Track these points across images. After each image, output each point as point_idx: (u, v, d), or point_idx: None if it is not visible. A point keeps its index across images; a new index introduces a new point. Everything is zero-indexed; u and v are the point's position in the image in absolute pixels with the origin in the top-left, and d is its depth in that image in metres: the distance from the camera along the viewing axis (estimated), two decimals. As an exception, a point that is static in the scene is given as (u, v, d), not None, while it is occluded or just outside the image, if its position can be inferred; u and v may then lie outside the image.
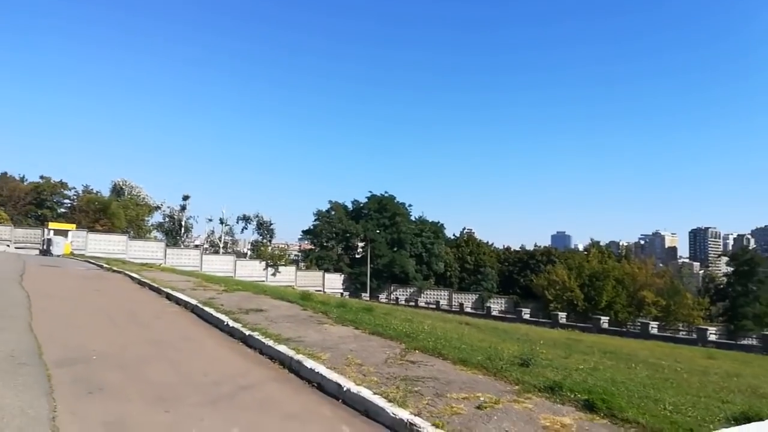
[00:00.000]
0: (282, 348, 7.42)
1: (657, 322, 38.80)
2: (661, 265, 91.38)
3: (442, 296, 65.65)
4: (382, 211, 79.45)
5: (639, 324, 37.76)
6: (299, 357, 6.90)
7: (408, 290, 70.17)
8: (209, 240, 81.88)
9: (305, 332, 8.53)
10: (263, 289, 13.92)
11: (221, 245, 74.34)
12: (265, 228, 79.07)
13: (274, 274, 63.62)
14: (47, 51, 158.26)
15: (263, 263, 64.49)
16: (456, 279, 77.63)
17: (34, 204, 66.00)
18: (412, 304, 52.11)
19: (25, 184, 69.65)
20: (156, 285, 14.10)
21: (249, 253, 77.84)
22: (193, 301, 11.21)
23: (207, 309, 10.37)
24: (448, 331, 10.72)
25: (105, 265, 23.43)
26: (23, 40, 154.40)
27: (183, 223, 74.18)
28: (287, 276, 64.99)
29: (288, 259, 72.00)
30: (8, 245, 45.70)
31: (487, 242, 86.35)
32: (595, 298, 52.85)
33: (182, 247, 67.55)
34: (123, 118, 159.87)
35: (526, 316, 41.00)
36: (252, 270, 61.35)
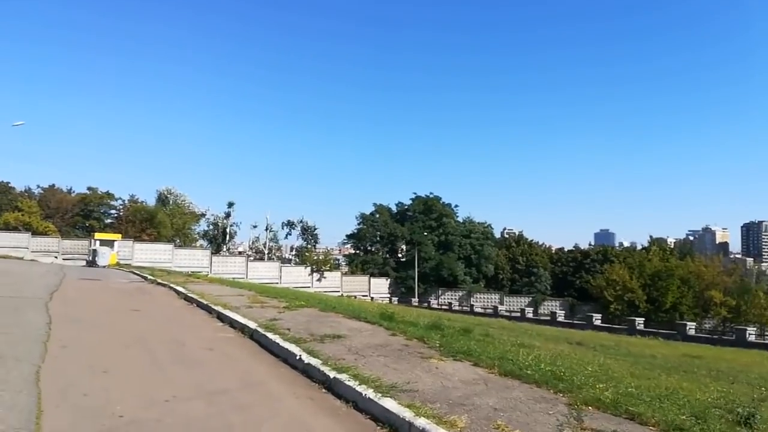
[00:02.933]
0: (389, 404, 5.04)
1: (753, 328, 34.73)
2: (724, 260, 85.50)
3: (492, 299, 62.56)
4: (428, 213, 76.84)
5: (733, 330, 33.78)
6: (423, 424, 4.51)
7: (457, 294, 67.27)
8: (253, 246, 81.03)
9: (411, 373, 6.13)
10: (331, 305, 11.61)
11: (266, 252, 73.09)
12: (309, 233, 77.54)
13: (319, 280, 61.91)
14: (88, 66, 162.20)
15: (308, 269, 62.80)
16: (507, 281, 74.31)
17: (82, 215, 66.31)
18: (467, 309, 49.16)
19: (72, 195, 70.23)
20: (205, 302, 11.99)
21: (293, 259, 76.53)
22: (252, 324, 8.97)
23: (270, 336, 8.09)
24: (585, 361, 8.12)
25: (149, 277, 21.72)
26: (68, 55, 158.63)
27: (227, 230, 73.33)
28: (333, 282, 63.16)
29: (332, 264, 70.25)
30: (56, 257, 45.28)
31: (540, 243, 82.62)
32: (659, 299, 48.95)
33: (227, 254, 66.65)
34: (167, 127, 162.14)
35: (597, 322, 37.56)
36: (297, 276, 59.77)
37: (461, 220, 79.31)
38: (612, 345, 14.22)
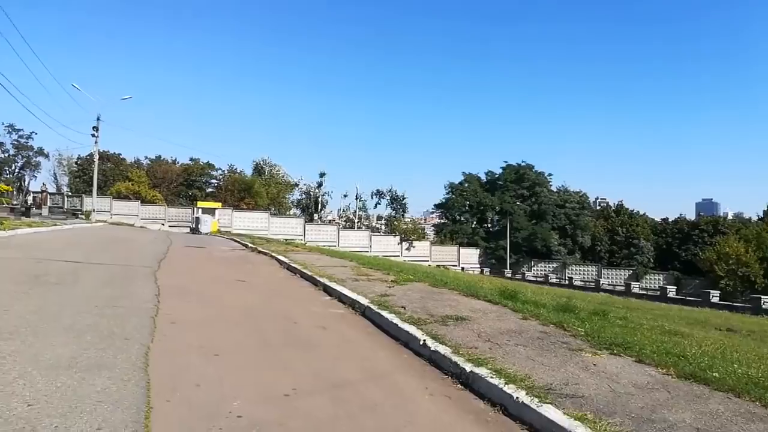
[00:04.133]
0: (553, 413, 4.03)
1: None
2: None
3: (590, 272, 59.40)
4: (520, 182, 73.93)
5: None
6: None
7: (550, 265, 64.53)
8: (343, 215, 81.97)
9: (565, 371, 5.08)
10: (442, 280, 10.70)
11: (356, 220, 73.66)
12: (398, 203, 77.14)
13: (408, 249, 61.52)
14: (192, 43, 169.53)
15: (397, 238, 62.50)
16: (605, 253, 70.30)
17: (185, 184, 69.77)
18: (565, 282, 46.74)
19: (176, 166, 73.87)
20: (309, 273, 11.48)
21: (382, 227, 76.61)
22: (363, 300, 8.24)
23: (386, 315, 7.30)
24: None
25: (249, 245, 21.90)
26: (172, 30, 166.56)
27: (319, 199, 74.54)
28: (421, 251, 62.56)
29: (420, 234, 69.57)
30: (162, 224, 47.76)
31: (641, 213, 77.19)
32: (781, 274, 44.06)
33: (319, 222, 67.75)
34: (264, 100, 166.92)
35: (715, 299, 34.19)
36: (386, 245, 59.71)
37: (555, 189, 75.77)
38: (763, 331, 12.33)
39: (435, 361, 5.70)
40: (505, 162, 76.92)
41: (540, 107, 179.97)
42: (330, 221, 78.24)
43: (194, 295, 8.41)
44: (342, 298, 8.93)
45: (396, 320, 7.00)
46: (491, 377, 4.84)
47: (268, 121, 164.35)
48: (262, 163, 75.21)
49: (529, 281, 43.18)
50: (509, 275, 52.18)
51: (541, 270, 62.89)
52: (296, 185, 76.78)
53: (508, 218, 66.71)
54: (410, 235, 63.31)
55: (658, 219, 78.27)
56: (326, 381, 4.88)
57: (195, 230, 39.43)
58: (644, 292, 40.30)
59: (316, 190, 76.18)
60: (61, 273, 9.16)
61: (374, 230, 71.65)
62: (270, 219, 53.70)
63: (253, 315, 7.41)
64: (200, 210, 46.59)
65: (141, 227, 40.75)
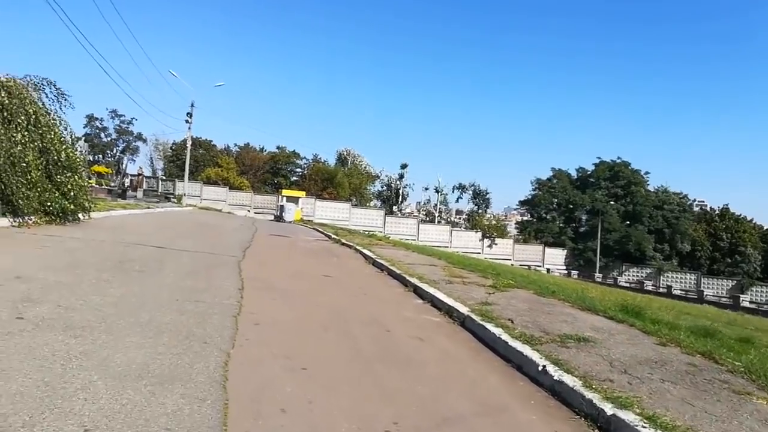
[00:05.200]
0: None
1: None
2: None
3: (687, 280, 55.01)
4: (614, 180, 69.83)
5: None
6: None
7: (643, 271, 60.54)
8: (422, 208, 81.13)
9: (738, 424, 3.90)
10: (548, 288, 9.52)
11: (436, 214, 72.54)
12: (480, 197, 75.14)
13: (490, 246, 59.73)
14: (279, 34, 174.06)
15: (479, 234, 60.80)
16: (705, 260, 64.95)
17: (271, 172, 71.54)
18: (663, 290, 43.34)
19: (263, 154, 75.85)
20: (397, 271, 10.68)
21: (463, 223, 75.05)
22: (462, 308, 7.29)
23: (491, 328, 6.32)
24: None
25: (333, 236, 21.53)
26: (262, 22, 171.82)
27: (400, 192, 74.06)
28: (504, 249, 60.56)
29: (502, 231, 67.39)
30: (248, 210, 48.97)
31: (749, 218, 70.68)
32: None
33: (399, 215, 67.30)
34: (348, 91, 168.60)
35: None
36: (467, 241, 58.29)
37: (652, 189, 70.95)
38: None
39: (560, 394, 4.67)
40: (598, 158, 72.99)
41: (636, 106, 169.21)
42: (409, 214, 77.67)
43: (279, 291, 7.81)
44: (436, 303, 8.04)
45: (505, 336, 6.01)
46: (644, 427, 3.77)
47: (353, 112, 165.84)
48: (345, 153, 75.76)
49: (622, 287, 40.31)
50: (599, 279, 49.20)
51: (634, 275, 59.08)
52: (377, 177, 76.70)
53: (600, 218, 63.10)
54: (492, 231, 61.41)
55: (766, 226, 71.48)
56: (433, 413, 4.00)
57: (279, 218, 39.97)
58: (755, 306, 36.44)
59: (397, 182, 75.75)
60: (145, 260, 8.89)
61: (454, 225, 70.27)
62: (351, 210, 53.81)
63: (342, 318, 6.66)
64: (285, 198, 47.28)
65: (228, 213, 41.88)
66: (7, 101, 12.00)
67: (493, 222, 66.73)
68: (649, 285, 49.42)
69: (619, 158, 71.51)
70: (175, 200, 43.43)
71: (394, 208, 72.45)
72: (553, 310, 7.62)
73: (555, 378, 4.86)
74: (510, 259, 56.15)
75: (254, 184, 64.65)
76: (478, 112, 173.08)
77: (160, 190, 49.16)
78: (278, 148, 76.02)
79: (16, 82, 12.68)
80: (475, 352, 5.91)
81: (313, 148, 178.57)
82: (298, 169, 75.59)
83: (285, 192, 50.90)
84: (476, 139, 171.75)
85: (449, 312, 7.46)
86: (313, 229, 30.16)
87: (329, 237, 21.61)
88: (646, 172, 71.34)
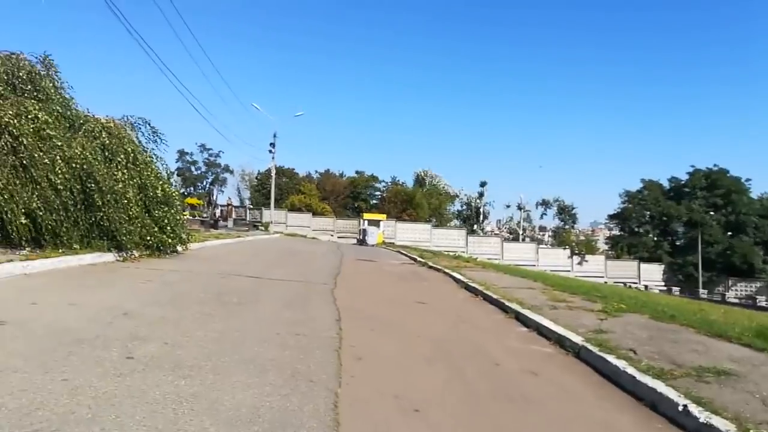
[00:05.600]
0: None
1: None
2: None
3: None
4: (712, 189, 65.09)
5: None
6: None
7: (752, 285, 55.46)
8: (505, 226, 79.35)
9: None
10: (664, 312, 8.63)
11: (520, 232, 70.61)
12: (566, 213, 72.43)
13: (580, 264, 57.14)
14: (351, 63, 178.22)
15: (567, 251, 58.39)
16: (822, 273, 58.72)
17: (351, 197, 72.84)
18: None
19: (343, 179, 77.48)
20: (493, 295, 10.15)
21: (550, 240, 72.52)
22: (574, 337, 6.69)
23: (612, 360, 5.68)
24: None
25: (418, 258, 21.23)
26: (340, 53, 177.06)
27: (480, 210, 72.90)
28: (596, 266, 57.72)
29: (592, 247, 64.39)
30: (332, 235, 49.83)
31: None
32: None
33: (480, 234, 66.08)
34: (423, 111, 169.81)
35: None
36: (555, 258, 56.05)
37: (755, 197, 65.48)
38: None
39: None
40: (692, 167, 68.35)
41: (728, 110, 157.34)
42: (490, 232, 76.10)
43: (376, 320, 7.55)
44: (543, 332, 7.46)
45: (631, 370, 5.37)
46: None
47: (429, 133, 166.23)
48: (423, 174, 75.84)
49: (732, 304, 36.99)
50: (705, 296, 45.57)
51: (743, 290, 54.30)
52: (456, 196, 76.00)
53: (699, 230, 58.80)
54: (581, 248, 58.82)
55: None
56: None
57: (362, 242, 40.27)
58: None
59: (477, 201, 74.65)
60: (242, 291, 8.95)
61: (539, 242, 67.97)
62: (432, 230, 53.41)
63: (445, 350, 6.28)
64: (366, 221, 47.75)
65: (312, 238, 42.73)
66: (108, 141, 12.71)
67: (581, 238, 63.97)
68: (762, 300, 45.10)
69: (715, 165, 66.74)
70: (263, 228, 44.92)
71: (475, 227, 71.29)
72: (679, 338, 6.83)
73: (701, 420, 4.21)
74: (602, 277, 53.33)
75: (336, 209, 65.96)
76: (558, 127, 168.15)
77: (248, 219, 51.13)
78: (357, 172, 77.50)
79: (115, 123, 13.44)
80: (597, 388, 5.33)
81: (391, 171, 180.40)
82: (377, 192, 76.46)
83: (366, 215, 51.42)
84: (557, 154, 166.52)
85: (560, 341, 6.87)
86: (397, 251, 30.00)
87: (415, 260, 21.31)
88: (747, 179, 65.98)
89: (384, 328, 7.12)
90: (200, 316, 6.51)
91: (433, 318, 8.46)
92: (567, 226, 71.62)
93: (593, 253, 61.28)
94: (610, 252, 67.58)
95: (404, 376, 5.10)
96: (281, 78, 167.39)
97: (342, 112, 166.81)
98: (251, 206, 61.95)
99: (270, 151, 47.94)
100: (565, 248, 58.74)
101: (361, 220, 49.60)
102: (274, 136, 47.66)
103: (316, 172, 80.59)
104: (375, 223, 47.50)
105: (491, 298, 10.18)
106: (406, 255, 25.74)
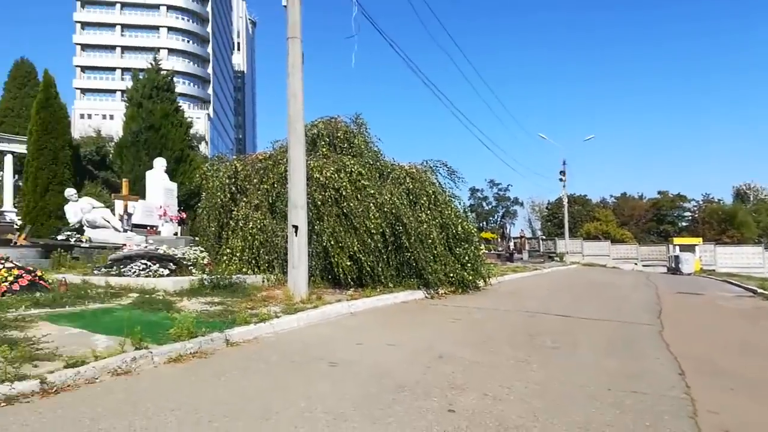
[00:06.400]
0: None
1: None
2: None
3: None
4: None
5: None
6: None
7: None
8: None
9: None
10: None
11: None
12: None
13: None
14: (644, 74, 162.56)
15: None
16: None
17: (654, 220, 65.68)
18: None
19: (643, 201, 70.53)
20: None
21: None
22: None
23: None
24: None
25: (759, 290, 17.35)
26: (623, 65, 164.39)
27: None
28: None
29: None
30: (635, 263, 45.39)
31: None
32: None
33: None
34: (738, 116, 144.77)
35: None
36: None
37: None
38: None
39: None
40: None
41: None
42: None
43: (731, 376, 5.94)
44: None
45: None
46: None
47: (747, 140, 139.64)
48: (744, 188, 64.01)
49: None
50: None
51: None
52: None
53: None
54: None
55: None
56: None
57: (675, 270, 35.23)
58: None
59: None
60: (554, 332, 8.21)
61: None
62: (765, 254, 44.10)
63: None
64: (677, 247, 42.00)
65: (613, 267, 39.40)
66: (411, 186, 13.70)
67: None
68: None
69: None
70: (558, 258, 43.35)
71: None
72: None
73: None
74: None
75: (637, 234, 60.11)
76: None
77: (541, 250, 50.02)
78: (659, 193, 69.42)
79: (417, 169, 14.43)
80: None
81: (702, 188, 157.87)
82: (687, 213, 67.16)
83: (676, 240, 45.40)
84: None
85: None
86: (723, 281, 25.23)
87: (755, 292, 17.40)
88: None
89: (749, 387, 5.52)
90: (515, 362, 6.03)
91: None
92: None
93: None
94: None
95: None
96: (567, 105, 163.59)
97: (635, 130, 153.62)
98: (543, 237, 60.64)
99: (560, 179, 46.44)
100: None
101: (671, 246, 43.77)
102: (564, 163, 46.14)
103: (611, 196, 74.92)
104: (688, 248, 41.40)
105: None
106: (738, 285, 21.38)
